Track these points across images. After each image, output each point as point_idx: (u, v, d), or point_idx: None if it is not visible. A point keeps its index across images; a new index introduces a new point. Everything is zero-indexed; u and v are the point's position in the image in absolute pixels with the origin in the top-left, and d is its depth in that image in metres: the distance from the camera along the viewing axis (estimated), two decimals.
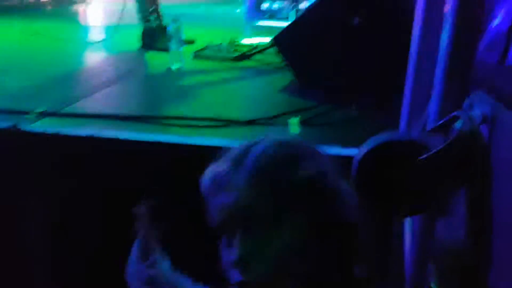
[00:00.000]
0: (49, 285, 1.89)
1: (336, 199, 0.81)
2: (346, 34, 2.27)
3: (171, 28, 2.84)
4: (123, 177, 1.74)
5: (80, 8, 6.15)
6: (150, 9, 3.37)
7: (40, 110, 2.02)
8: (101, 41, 3.75)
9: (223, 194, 0.81)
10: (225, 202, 0.80)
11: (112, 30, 3.76)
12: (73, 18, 5.45)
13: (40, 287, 1.90)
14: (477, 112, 0.79)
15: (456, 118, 0.84)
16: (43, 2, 6.34)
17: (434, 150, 0.79)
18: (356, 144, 1.68)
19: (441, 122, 0.86)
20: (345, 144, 1.73)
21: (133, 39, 3.45)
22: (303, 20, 2.45)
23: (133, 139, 1.77)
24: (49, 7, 6.30)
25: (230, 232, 0.81)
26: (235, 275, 0.79)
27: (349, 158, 1.67)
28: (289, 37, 2.44)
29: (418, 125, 1.29)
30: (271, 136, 0.87)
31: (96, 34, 4.25)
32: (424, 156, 0.79)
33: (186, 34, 3.06)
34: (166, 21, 3.35)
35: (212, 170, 0.86)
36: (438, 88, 1.07)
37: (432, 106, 1.05)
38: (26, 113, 1.99)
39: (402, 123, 1.45)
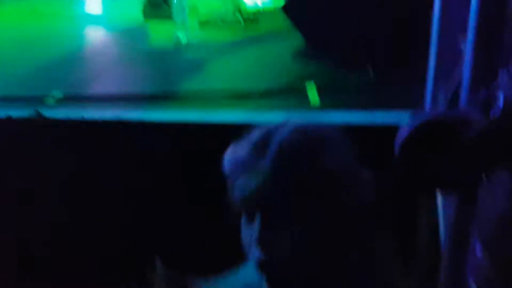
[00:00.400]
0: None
1: (354, 187, 0.82)
2: None
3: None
4: (152, 158, 1.75)
5: None
6: None
7: (58, 95, 2.02)
8: (101, 14, 3.68)
9: (246, 176, 0.82)
10: (248, 184, 0.82)
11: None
12: None
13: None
14: None
15: (496, 88, 0.85)
16: None
17: (480, 125, 0.80)
18: (376, 107, 1.70)
19: (482, 94, 0.87)
20: (365, 108, 1.74)
21: (134, 9, 3.39)
22: None
23: (157, 120, 1.78)
24: None
25: (251, 212, 0.83)
26: (255, 253, 0.82)
27: (370, 124, 1.68)
28: (298, 4, 2.41)
29: (447, 90, 1.30)
30: (292, 121, 0.87)
31: (94, 7, 4.18)
32: (472, 131, 0.81)
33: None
34: None
35: (234, 151, 0.86)
36: (469, 54, 1.07)
37: (465, 73, 1.06)
38: (44, 99, 2.00)
39: (428, 89, 1.45)
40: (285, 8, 2.51)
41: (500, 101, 0.82)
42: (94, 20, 3.52)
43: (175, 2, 2.80)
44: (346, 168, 0.82)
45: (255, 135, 0.86)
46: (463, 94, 1.04)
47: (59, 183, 1.82)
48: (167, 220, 1.74)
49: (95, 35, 3.24)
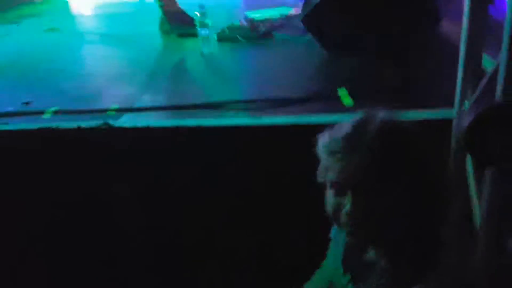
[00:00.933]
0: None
1: (431, 174, 1.09)
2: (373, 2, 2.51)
3: (199, 14, 3.03)
4: (212, 162, 1.99)
5: None
6: None
7: (116, 107, 2.24)
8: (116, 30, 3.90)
9: (343, 161, 1.08)
10: (346, 168, 1.08)
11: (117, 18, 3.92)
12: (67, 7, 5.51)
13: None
14: None
15: None
16: None
17: None
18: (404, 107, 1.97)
19: None
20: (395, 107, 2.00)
21: (147, 25, 3.63)
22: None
23: (214, 125, 2.02)
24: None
25: (342, 188, 1.09)
26: (343, 220, 1.07)
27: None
28: (316, 16, 2.68)
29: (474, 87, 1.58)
30: (377, 116, 1.13)
31: (107, 23, 4.40)
32: None
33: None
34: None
35: (328, 141, 1.13)
36: (504, 55, 1.33)
37: (500, 73, 1.33)
38: (103, 111, 2.22)
39: (458, 87, 1.74)
40: (304, 22, 2.77)
41: None
42: (114, 36, 3.75)
43: (199, 17, 3.03)
44: (425, 156, 1.09)
45: (345, 128, 1.13)
46: (499, 88, 1.31)
47: (134, 189, 2.05)
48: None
49: (122, 52, 3.43)
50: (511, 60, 1.31)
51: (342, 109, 2.11)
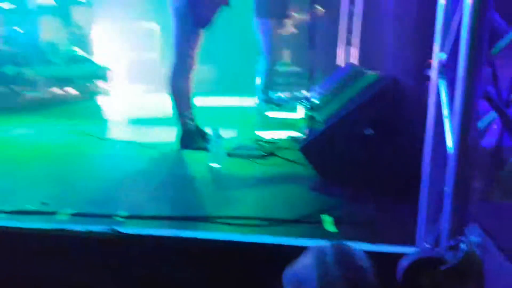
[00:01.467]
0: None
1: None
2: (363, 143, 2.84)
3: (213, 134, 3.40)
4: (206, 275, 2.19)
5: (104, 100, 6.73)
6: (189, 113, 3.94)
7: (124, 214, 2.51)
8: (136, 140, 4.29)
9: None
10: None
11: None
12: (98, 113, 6.01)
13: None
14: (474, 240, 1.31)
15: (461, 241, 1.36)
16: (65, 95, 6.89)
17: (450, 265, 1.30)
18: (379, 241, 2.18)
19: (452, 243, 1.38)
20: (371, 240, 2.21)
21: (168, 137, 4.02)
22: (325, 134, 3.02)
23: (203, 238, 2.25)
24: (71, 100, 6.84)
25: None
26: None
27: (377, 254, 2.15)
28: (314, 147, 3.02)
29: (433, 232, 1.81)
30: (336, 252, 1.37)
31: (133, 130, 4.83)
32: (445, 267, 1.31)
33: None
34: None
35: (291, 269, 1.38)
36: (447, 209, 1.57)
37: (444, 225, 1.57)
38: (109, 216, 2.48)
39: (419, 229, 1.96)
40: (303, 150, 3.09)
41: (462, 251, 1.33)
42: (134, 145, 4.11)
43: (213, 138, 3.38)
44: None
45: (305, 259, 1.37)
46: (442, 240, 1.54)
47: None
48: None
49: (137, 160, 3.76)
50: (453, 215, 1.56)
51: (324, 234, 2.34)
